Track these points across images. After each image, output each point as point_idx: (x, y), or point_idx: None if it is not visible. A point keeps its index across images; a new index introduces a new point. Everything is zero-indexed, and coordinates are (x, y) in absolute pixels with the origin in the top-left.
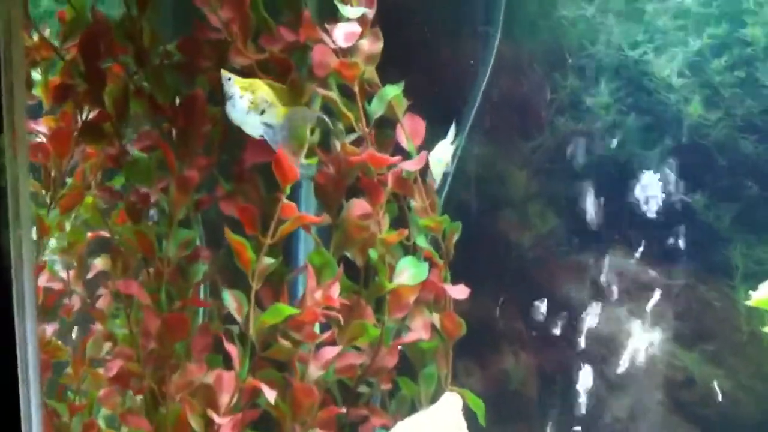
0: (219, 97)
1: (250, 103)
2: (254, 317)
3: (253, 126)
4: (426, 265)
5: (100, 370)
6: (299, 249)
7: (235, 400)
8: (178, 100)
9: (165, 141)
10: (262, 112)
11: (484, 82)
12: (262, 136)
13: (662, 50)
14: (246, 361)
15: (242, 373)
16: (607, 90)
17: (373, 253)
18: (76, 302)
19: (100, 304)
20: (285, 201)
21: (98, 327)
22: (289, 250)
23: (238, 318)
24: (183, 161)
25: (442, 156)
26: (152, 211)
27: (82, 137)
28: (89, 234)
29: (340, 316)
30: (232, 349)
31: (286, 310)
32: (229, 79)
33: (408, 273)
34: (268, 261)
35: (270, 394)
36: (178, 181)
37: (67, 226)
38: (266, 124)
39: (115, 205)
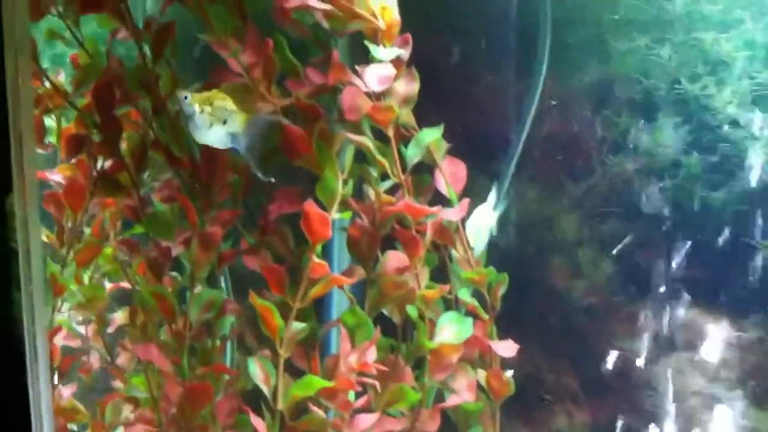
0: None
1: (211, 116)
2: (283, 387)
3: (219, 140)
4: (470, 321)
5: None
6: (332, 302)
7: None
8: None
9: (186, 191)
10: (225, 122)
11: (529, 120)
12: (233, 148)
13: (726, 83)
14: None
15: None
16: (664, 127)
17: (411, 310)
18: (94, 361)
19: (120, 361)
20: (315, 260)
21: (118, 385)
22: (320, 303)
23: (266, 390)
24: (205, 215)
25: (482, 223)
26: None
27: (97, 190)
28: (109, 286)
29: (377, 383)
30: (259, 424)
31: (318, 382)
32: (186, 97)
33: (450, 330)
34: (297, 326)
35: None
36: (200, 238)
37: (85, 279)
38: (231, 134)
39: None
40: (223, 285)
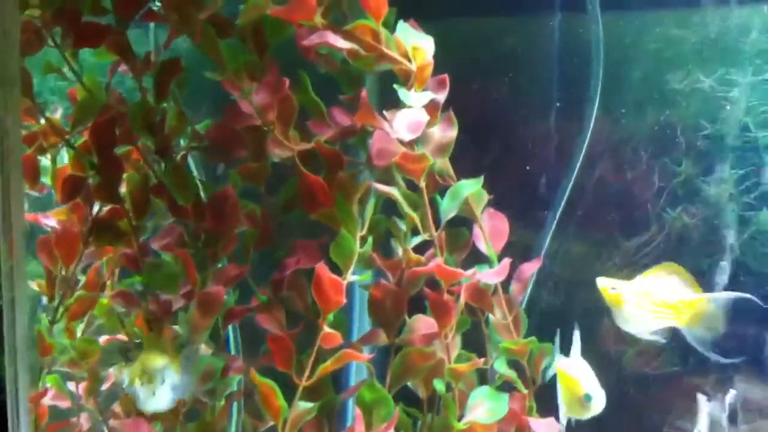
0: (259, 190)
1: (148, 384)
2: None
3: (164, 401)
4: (506, 398)
5: None
6: (351, 367)
7: None
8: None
9: (190, 240)
10: (163, 381)
11: (577, 167)
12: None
13: None
14: None
15: None
16: (731, 178)
17: (439, 385)
18: (85, 422)
19: (115, 424)
20: (327, 329)
21: None
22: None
23: None
24: (208, 271)
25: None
26: None
27: (93, 238)
28: (104, 339)
29: None
30: None
31: None
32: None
33: (483, 408)
34: (303, 407)
35: None
36: (200, 299)
37: (78, 332)
38: (173, 388)
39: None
40: (231, 338)
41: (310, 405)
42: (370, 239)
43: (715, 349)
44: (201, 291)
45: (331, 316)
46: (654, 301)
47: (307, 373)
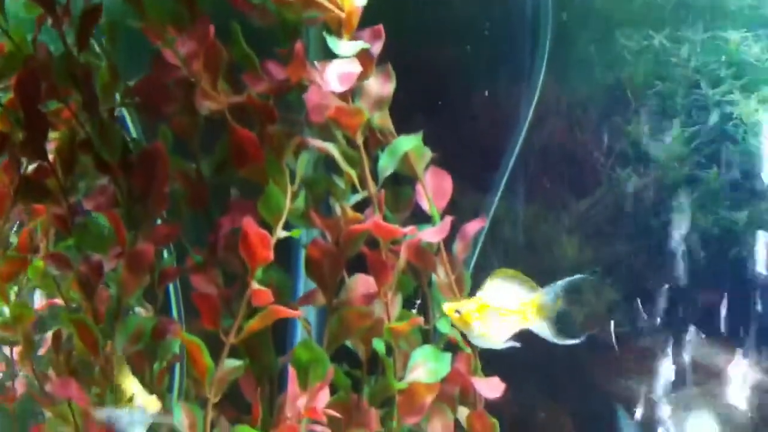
0: (190, 147)
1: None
2: None
3: None
4: (448, 358)
5: None
6: (296, 333)
7: None
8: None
9: (123, 199)
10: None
11: (525, 129)
12: None
13: (752, 88)
14: None
15: None
16: (680, 137)
17: (378, 344)
18: (20, 386)
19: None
20: (255, 286)
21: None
22: (282, 333)
23: None
24: (139, 231)
25: None
26: None
27: (20, 196)
28: (41, 303)
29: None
30: None
31: None
32: None
33: (425, 368)
34: (230, 365)
35: None
36: (128, 257)
37: (12, 295)
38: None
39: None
40: (173, 300)
41: (238, 362)
42: (302, 194)
43: (563, 334)
44: (130, 249)
45: (259, 272)
46: (499, 312)
47: (234, 331)
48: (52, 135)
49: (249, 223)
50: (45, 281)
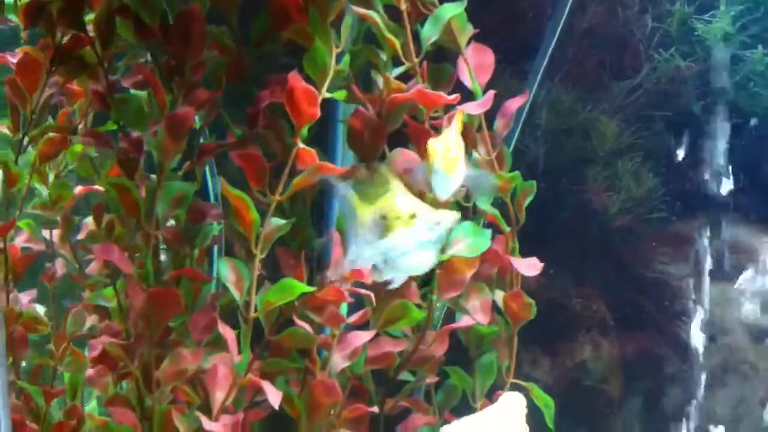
0: (229, 18)
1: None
2: (259, 294)
3: None
4: (488, 233)
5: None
6: (333, 209)
7: (233, 396)
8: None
9: (160, 75)
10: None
11: (567, 10)
12: None
13: None
14: (246, 348)
15: (241, 365)
16: (727, 16)
17: None
18: (59, 267)
19: (91, 270)
20: (301, 146)
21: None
22: (321, 214)
23: (237, 295)
24: (178, 96)
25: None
26: None
27: (56, 68)
28: (79, 188)
29: (372, 295)
30: (229, 334)
31: (297, 287)
32: None
33: (465, 243)
34: (276, 222)
35: (274, 396)
36: (168, 121)
37: (51, 178)
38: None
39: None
40: (211, 192)
41: (282, 221)
42: (347, 57)
43: None
44: (170, 112)
45: (304, 131)
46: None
47: (280, 188)
48: None
49: (295, 78)
50: (83, 164)
